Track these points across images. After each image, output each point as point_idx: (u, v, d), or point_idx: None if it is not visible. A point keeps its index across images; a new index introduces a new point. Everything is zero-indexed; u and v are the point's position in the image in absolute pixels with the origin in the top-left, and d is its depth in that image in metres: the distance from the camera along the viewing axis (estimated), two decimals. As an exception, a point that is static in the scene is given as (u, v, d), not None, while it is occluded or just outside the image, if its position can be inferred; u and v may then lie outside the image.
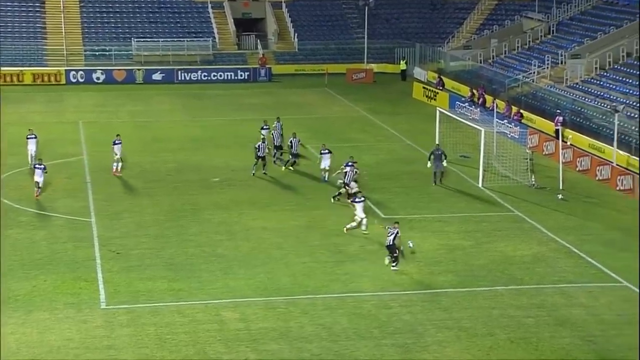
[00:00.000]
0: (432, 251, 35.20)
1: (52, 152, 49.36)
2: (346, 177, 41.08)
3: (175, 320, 28.76)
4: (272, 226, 38.21)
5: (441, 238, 36.72)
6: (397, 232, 32.83)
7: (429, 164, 44.20)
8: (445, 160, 43.80)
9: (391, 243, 32.81)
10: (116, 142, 45.56)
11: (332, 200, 41.15)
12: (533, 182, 44.62)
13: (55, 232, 37.36)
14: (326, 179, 44.33)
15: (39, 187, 41.52)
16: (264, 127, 49.50)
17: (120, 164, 45.29)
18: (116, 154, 45.31)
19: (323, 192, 43.18)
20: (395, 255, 32.81)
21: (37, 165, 41.98)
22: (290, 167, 46.74)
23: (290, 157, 46.79)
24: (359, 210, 36.85)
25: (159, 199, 42.07)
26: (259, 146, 45.40)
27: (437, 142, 44.51)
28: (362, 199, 37.30)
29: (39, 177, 41.51)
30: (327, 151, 44.59)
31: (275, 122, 50.33)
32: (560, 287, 31.80)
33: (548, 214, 40.51)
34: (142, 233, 37.24)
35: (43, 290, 31.03)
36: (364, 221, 36.73)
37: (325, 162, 44.38)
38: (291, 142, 46.69)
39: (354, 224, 36.79)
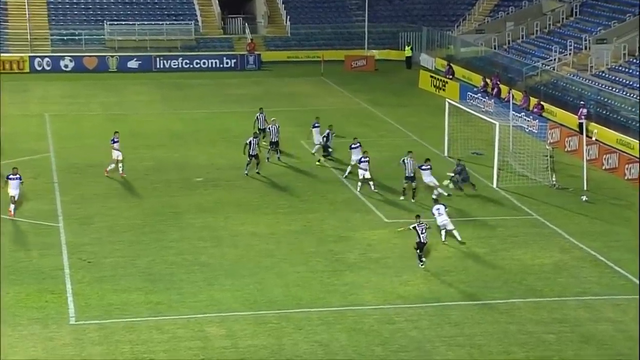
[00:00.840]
0: (441, 259, 35.19)
1: (15, 149, 49.29)
2: (406, 169, 41.92)
3: (153, 337, 28.70)
4: (262, 231, 38.19)
5: (451, 245, 36.71)
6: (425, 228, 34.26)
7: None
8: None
9: (427, 240, 34.01)
10: (115, 139, 45.22)
11: (401, 197, 42.04)
12: (554, 182, 44.65)
13: (19, 238, 37.27)
14: (346, 173, 45.24)
15: (14, 202, 39.22)
16: (316, 124, 49.39)
17: (121, 165, 44.88)
18: (114, 155, 44.88)
19: (319, 193, 43.17)
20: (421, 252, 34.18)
21: (11, 176, 39.52)
22: (328, 158, 48.06)
23: (323, 150, 48.01)
24: (442, 217, 36.75)
25: (135, 201, 42.02)
26: (250, 142, 45.33)
27: (458, 158, 44.51)
28: (439, 207, 37.05)
29: (14, 190, 39.23)
30: (358, 144, 45.28)
31: (258, 114, 50.49)
32: (584, 300, 31.80)
33: (571, 217, 40.53)
34: (116, 239, 37.19)
35: (5, 304, 30.92)
36: (451, 228, 36.75)
37: (357, 156, 44.76)
38: (328, 134, 47.80)
39: (455, 233, 36.77)
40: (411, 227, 34.30)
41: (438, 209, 36.94)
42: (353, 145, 45.43)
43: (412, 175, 41.97)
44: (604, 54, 61.40)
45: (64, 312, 30.35)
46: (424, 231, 34.09)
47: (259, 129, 49.46)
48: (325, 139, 48.06)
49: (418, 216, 34.76)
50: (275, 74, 74.06)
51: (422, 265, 34.09)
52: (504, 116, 50.18)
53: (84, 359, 27.37)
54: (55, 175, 45.81)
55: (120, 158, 44.87)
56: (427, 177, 42.15)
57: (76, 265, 34.37)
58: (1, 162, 45.56)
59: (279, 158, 48.08)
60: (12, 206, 39.33)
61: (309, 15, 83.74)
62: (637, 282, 33.28)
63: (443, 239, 36.68)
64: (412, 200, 41.73)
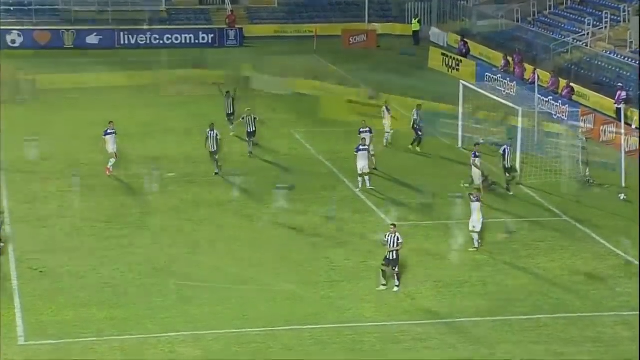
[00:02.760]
0: (454, 268, 35.29)
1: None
2: (505, 159, 42.92)
3: (118, 360, 28.85)
4: (246, 236, 38.28)
5: (466, 251, 36.83)
6: (399, 239, 33.17)
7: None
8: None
9: (395, 256, 33.18)
10: (108, 131, 45.24)
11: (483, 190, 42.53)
12: (587, 178, 44.75)
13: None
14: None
15: None
16: (387, 108, 49.41)
17: (113, 160, 44.90)
18: (110, 148, 44.96)
19: (312, 191, 43.21)
20: (396, 270, 33.33)
21: None
22: (417, 148, 48.70)
23: (415, 135, 48.59)
24: (474, 215, 36.71)
25: (96, 201, 42.07)
26: (207, 136, 45.04)
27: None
28: (475, 198, 36.97)
29: None
30: (367, 129, 45.47)
31: (225, 97, 50.71)
32: (622, 316, 31.92)
33: (606, 219, 40.64)
34: (73, 245, 37.24)
35: (-57, 321, 31.05)
36: (476, 229, 36.72)
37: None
38: (417, 116, 48.45)
39: (475, 236, 36.88)
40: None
41: (474, 199, 36.91)
42: (362, 129, 45.54)
43: (510, 166, 42.88)
44: (645, 28, 61.51)
45: (11, 331, 30.34)
46: (395, 245, 33.39)
47: (227, 115, 49.77)
48: (414, 122, 48.37)
49: (394, 225, 34.13)
50: (260, 52, 74.01)
51: (397, 289, 33.39)
52: (528, 101, 50.28)
53: (36, 385, 27.53)
54: (2, 172, 45.80)
55: (110, 152, 44.86)
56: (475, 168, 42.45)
57: (26, 275, 34.39)
58: None
59: (250, 152, 47.83)
60: None
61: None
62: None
63: (476, 245, 36.77)
64: (510, 193, 42.79)
